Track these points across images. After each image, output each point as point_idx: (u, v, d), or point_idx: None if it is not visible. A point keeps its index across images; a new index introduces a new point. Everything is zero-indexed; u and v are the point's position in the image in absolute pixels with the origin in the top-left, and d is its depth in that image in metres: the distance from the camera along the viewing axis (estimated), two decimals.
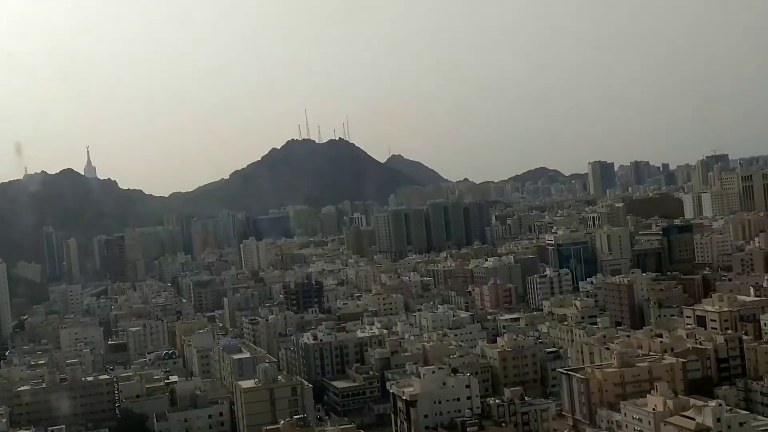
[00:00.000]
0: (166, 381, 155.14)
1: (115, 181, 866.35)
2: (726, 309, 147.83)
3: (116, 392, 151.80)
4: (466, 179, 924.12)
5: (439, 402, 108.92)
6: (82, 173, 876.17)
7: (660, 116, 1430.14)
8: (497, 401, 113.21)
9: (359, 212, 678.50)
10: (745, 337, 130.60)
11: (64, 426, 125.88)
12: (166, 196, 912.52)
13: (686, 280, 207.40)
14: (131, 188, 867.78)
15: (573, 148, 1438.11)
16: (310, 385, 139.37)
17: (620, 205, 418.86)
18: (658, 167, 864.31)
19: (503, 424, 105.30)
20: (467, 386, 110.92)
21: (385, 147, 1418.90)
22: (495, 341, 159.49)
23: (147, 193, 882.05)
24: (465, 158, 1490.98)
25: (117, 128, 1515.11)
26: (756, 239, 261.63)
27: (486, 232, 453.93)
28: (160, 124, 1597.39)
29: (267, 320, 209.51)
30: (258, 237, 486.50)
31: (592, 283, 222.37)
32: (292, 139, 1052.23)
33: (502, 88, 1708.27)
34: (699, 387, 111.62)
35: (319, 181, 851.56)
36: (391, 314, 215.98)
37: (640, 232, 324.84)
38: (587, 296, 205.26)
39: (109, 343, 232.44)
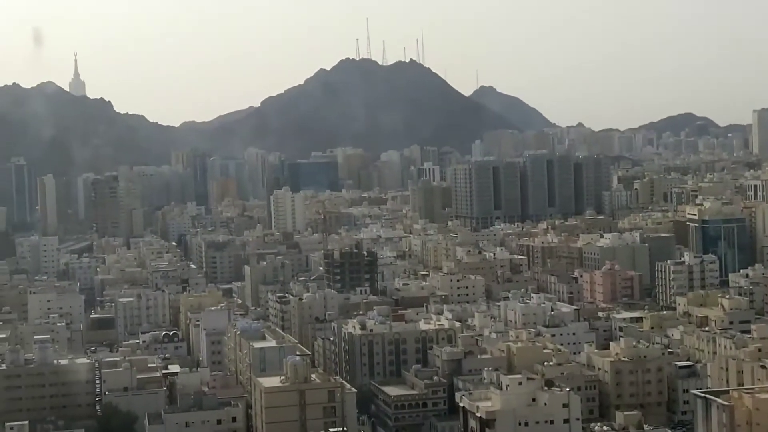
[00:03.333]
0: (163, 371, 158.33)
1: (109, 102, 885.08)
2: None
3: (98, 382, 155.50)
4: (580, 125, 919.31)
5: (527, 424, 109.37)
6: (67, 89, 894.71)
7: None
8: (606, 428, 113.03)
9: (431, 161, 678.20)
10: None
11: (27, 422, 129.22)
12: (176, 126, 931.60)
13: None
14: (130, 113, 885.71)
15: (733, 89, 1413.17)
16: (354, 390, 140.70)
17: None
18: None
19: None
20: (565, 405, 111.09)
21: (472, 75, 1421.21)
22: (607, 347, 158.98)
23: (151, 120, 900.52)
24: (581, 96, 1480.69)
25: (115, 33, 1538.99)
26: None
27: (604, 198, 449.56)
28: (173, 30, 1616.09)
29: (300, 299, 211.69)
30: (294, 187, 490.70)
31: (747, 276, 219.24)
32: (347, 59, 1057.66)
33: (634, 6, 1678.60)
34: None
35: (379, 116, 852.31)
36: (467, 302, 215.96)
37: None
38: (740, 294, 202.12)
39: (91, 316, 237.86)
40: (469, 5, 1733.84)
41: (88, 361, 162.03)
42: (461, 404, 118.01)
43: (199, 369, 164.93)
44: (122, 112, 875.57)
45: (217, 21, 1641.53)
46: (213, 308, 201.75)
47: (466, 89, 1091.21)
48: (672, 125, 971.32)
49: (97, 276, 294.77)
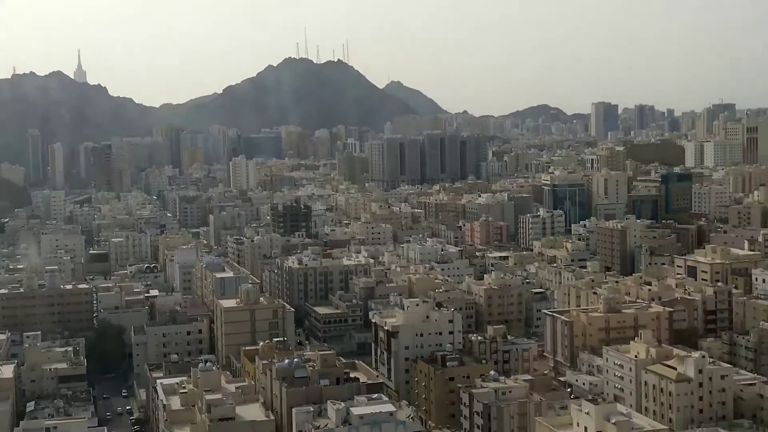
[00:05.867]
0: (146, 294, 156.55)
1: (105, 87, 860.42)
2: (718, 261, 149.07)
3: (95, 302, 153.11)
4: (465, 112, 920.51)
5: (421, 335, 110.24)
6: (72, 77, 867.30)
7: (669, 60, 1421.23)
8: (479, 338, 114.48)
9: (353, 138, 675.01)
10: (734, 291, 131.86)
11: (40, 332, 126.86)
12: (157, 106, 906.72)
13: (681, 229, 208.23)
14: (121, 96, 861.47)
15: (577, 87, 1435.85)
16: (292, 309, 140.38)
17: (621, 148, 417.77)
18: (663, 113, 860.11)
19: (484, 361, 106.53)
20: (450, 321, 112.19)
21: (385, 73, 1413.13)
22: (482, 278, 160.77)
23: (137, 102, 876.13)
24: (466, 90, 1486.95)
25: (109, 32, 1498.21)
26: (755, 192, 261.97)
27: (481, 168, 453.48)
28: (155, 31, 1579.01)
29: (252, 241, 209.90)
30: (248, 156, 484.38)
31: (585, 226, 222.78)
32: (289, 58, 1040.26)
33: (508, 22, 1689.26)
34: (684, 337, 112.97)
35: (314, 102, 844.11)
36: (379, 244, 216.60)
37: (639, 178, 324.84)
38: (579, 239, 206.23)
39: (90, 252, 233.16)
40: (385, 20, 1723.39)
41: (87, 286, 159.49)
42: (373, 320, 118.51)
43: (173, 293, 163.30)
44: (115, 95, 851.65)
45: (189, 24, 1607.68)
46: (184, 247, 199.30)
47: (380, 83, 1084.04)
48: (532, 113, 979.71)
49: (95, 221, 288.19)
